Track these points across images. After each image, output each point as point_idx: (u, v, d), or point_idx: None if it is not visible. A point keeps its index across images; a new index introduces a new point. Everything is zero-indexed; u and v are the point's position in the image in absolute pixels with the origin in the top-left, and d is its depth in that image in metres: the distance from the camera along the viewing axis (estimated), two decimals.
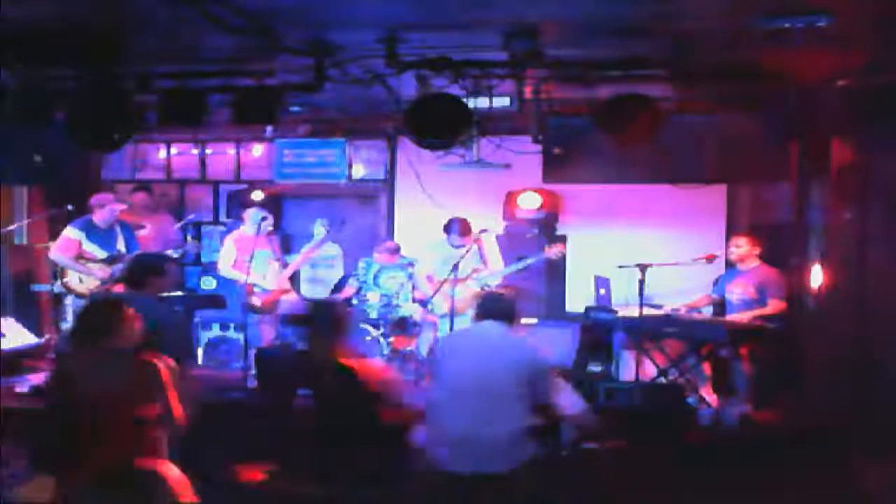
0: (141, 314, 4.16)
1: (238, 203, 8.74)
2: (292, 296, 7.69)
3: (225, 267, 7.63)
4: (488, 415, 4.11)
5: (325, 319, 4.74)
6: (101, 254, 7.16)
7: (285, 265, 7.67)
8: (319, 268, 9.12)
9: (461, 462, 4.11)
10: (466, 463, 4.10)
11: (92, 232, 7.14)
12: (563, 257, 7.69)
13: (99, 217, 7.17)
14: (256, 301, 7.40)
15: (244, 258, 7.33)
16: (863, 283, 6.41)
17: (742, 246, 7.01)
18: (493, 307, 4.45)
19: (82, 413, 3.73)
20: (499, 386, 4.15)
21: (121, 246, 7.22)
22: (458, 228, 7.41)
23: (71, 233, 7.13)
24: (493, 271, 7.49)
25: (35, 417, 4.57)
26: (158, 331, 4.55)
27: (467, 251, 7.29)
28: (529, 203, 8.35)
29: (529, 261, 7.61)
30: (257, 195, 8.76)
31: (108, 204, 7.23)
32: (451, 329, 6.98)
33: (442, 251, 7.48)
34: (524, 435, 4.19)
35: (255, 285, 7.39)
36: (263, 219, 7.43)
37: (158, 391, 3.84)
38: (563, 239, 8.42)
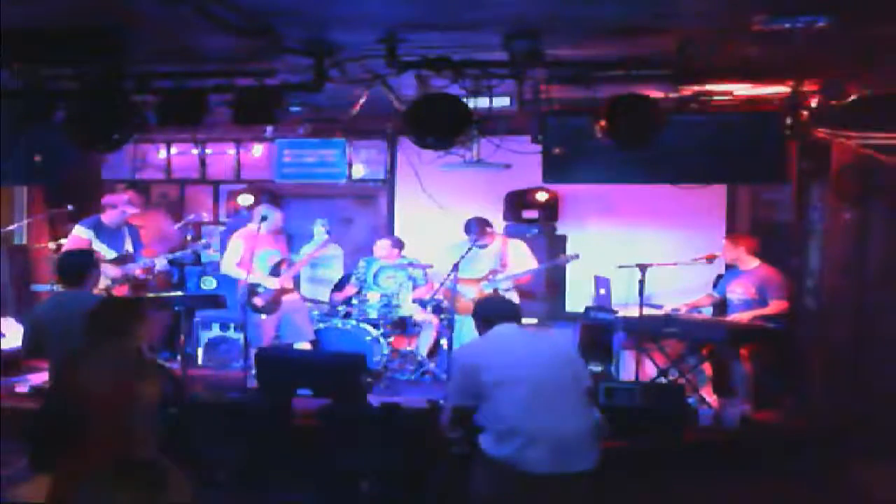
0: (83, 309, 4.17)
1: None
2: (294, 295, 7.64)
3: (229, 264, 7.45)
4: (568, 412, 4.05)
5: None
6: (110, 253, 7.15)
7: (291, 264, 7.62)
8: (319, 267, 9.14)
9: (550, 464, 3.97)
10: (556, 464, 3.98)
11: (101, 231, 7.15)
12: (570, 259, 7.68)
13: (109, 217, 7.18)
14: (259, 301, 7.35)
15: (248, 256, 7.31)
16: (863, 284, 6.42)
17: (727, 251, 7.09)
18: (508, 310, 4.44)
19: (91, 410, 3.73)
20: (566, 382, 4.12)
21: (128, 246, 7.23)
22: (476, 227, 7.33)
23: (81, 232, 7.14)
24: (509, 275, 7.37)
25: (36, 415, 4.57)
26: None
27: (468, 251, 7.27)
28: (532, 203, 8.36)
29: (545, 265, 7.62)
30: (245, 198, 8.83)
31: (121, 205, 7.25)
32: (451, 328, 6.97)
33: (465, 253, 7.23)
34: (596, 429, 4.15)
35: (258, 285, 7.33)
36: (264, 217, 7.36)
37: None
38: (563, 239, 8.45)
